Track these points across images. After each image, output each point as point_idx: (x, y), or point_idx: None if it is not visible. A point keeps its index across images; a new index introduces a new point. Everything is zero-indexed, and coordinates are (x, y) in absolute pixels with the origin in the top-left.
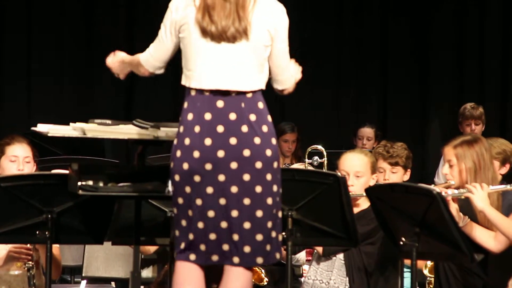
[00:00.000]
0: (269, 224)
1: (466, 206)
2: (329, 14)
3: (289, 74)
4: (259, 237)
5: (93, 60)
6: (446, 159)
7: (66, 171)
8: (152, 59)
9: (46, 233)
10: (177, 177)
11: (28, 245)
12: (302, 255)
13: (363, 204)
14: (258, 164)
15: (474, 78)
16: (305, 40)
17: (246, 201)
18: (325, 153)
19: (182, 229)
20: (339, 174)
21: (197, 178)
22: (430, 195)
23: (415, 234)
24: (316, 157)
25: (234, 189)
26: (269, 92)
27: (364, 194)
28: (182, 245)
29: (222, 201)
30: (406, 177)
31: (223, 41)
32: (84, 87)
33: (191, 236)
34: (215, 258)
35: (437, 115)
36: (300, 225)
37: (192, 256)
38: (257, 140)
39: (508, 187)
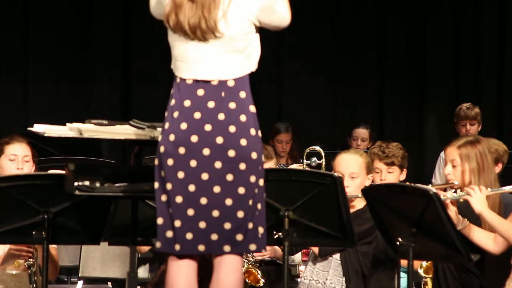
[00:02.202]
0: (240, 214)
1: (466, 208)
2: (326, 14)
3: (286, 18)
4: (227, 225)
5: (89, 60)
6: (449, 159)
7: (63, 171)
8: (153, 10)
9: (43, 233)
10: (156, 161)
11: None
12: (298, 256)
13: (358, 204)
14: (231, 153)
15: (470, 78)
16: (302, 40)
17: (216, 189)
18: (323, 154)
19: (157, 214)
20: (335, 174)
21: (170, 162)
22: (426, 195)
23: (411, 234)
24: (314, 158)
25: (205, 176)
26: (268, 92)
27: (360, 195)
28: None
29: (192, 187)
30: (402, 176)
31: (196, 39)
32: (81, 87)
33: (159, 221)
34: (177, 247)
35: (433, 116)
36: (296, 225)
37: (158, 244)
38: (232, 129)
39: (506, 189)
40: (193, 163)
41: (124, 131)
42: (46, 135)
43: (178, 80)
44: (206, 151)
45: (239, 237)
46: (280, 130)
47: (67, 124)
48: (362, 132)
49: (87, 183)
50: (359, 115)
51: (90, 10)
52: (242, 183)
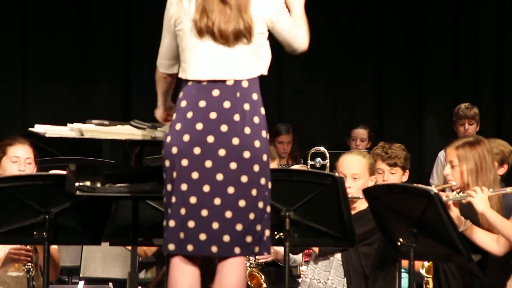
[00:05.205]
0: (251, 216)
1: (467, 209)
2: (325, 15)
3: (300, 38)
4: (239, 227)
5: (89, 60)
6: (448, 159)
7: (64, 172)
8: (161, 59)
9: (44, 233)
10: (167, 163)
11: (28, 247)
12: (299, 256)
13: (361, 205)
14: (246, 154)
15: (469, 78)
16: None
17: (230, 189)
18: (327, 155)
19: (166, 217)
20: (336, 174)
21: (184, 162)
22: (427, 195)
23: (412, 234)
24: (318, 159)
25: (219, 176)
26: (267, 93)
27: (361, 196)
28: (165, 234)
29: (206, 188)
30: (405, 178)
31: (223, 43)
32: (82, 88)
33: (171, 223)
34: (190, 248)
35: (433, 115)
36: (297, 225)
37: (171, 246)
38: (247, 130)
39: (508, 190)
40: (208, 163)
41: (125, 131)
42: (47, 135)
43: (190, 83)
44: (222, 152)
45: (248, 239)
46: (280, 131)
47: (68, 124)
48: (361, 132)
49: (88, 183)
50: (359, 116)
51: (90, 10)
52: (255, 185)
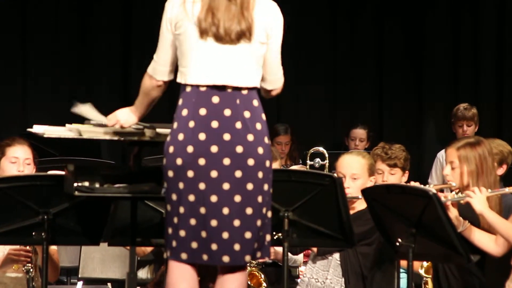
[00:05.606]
0: (258, 223)
1: (467, 210)
2: (324, 15)
3: (279, 74)
4: (248, 234)
5: (89, 60)
6: (448, 160)
7: (62, 172)
8: (158, 65)
9: (42, 234)
10: (170, 173)
11: (27, 247)
12: (300, 257)
13: (360, 205)
14: (250, 161)
15: (469, 78)
16: (300, 41)
17: (237, 198)
18: (326, 155)
19: (173, 226)
20: (335, 175)
21: (190, 174)
22: (426, 196)
23: (411, 235)
24: (317, 159)
25: (226, 185)
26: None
27: (360, 196)
28: (174, 243)
29: (214, 198)
30: (404, 178)
31: (226, 43)
32: (80, 88)
33: (182, 233)
34: (205, 257)
35: (432, 116)
36: (296, 226)
37: (184, 255)
38: (250, 137)
39: (507, 190)
40: (213, 173)
41: (123, 132)
42: (45, 136)
43: (189, 89)
44: (226, 161)
45: (255, 245)
46: (279, 132)
47: (67, 125)
48: (360, 133)
49: (86, 184)
50: (358, 116)
51: (89, 10)
52: (260, 191)
